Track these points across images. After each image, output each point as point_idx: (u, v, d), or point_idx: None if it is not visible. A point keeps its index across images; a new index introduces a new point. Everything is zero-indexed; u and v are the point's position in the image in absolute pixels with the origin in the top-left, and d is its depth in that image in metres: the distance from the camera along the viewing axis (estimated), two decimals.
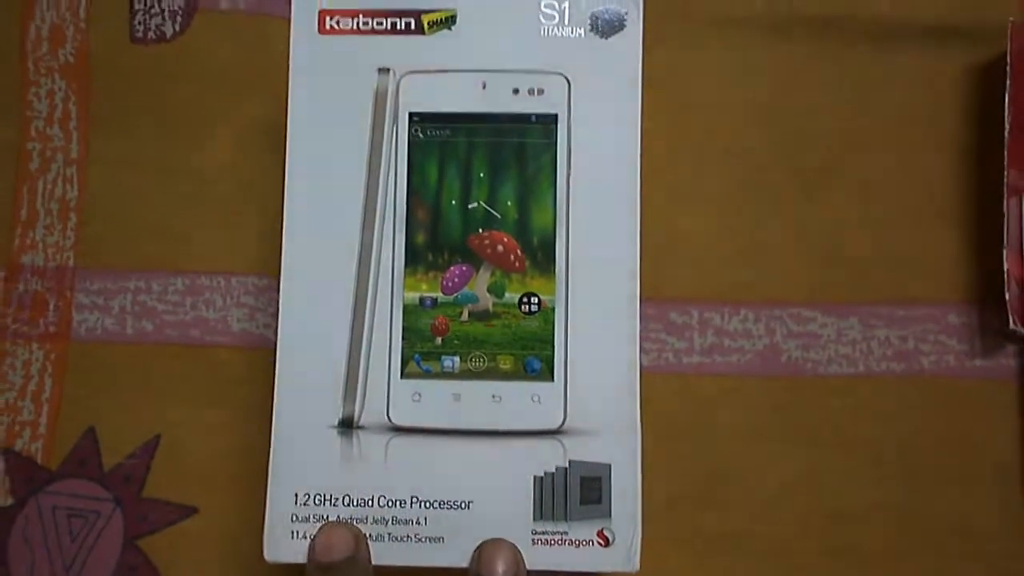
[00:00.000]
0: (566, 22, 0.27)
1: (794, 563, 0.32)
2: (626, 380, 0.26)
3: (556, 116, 0.27)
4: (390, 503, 0.26)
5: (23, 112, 0.34)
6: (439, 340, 0.26)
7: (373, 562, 0.25)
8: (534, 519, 0.25)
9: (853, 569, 0.32)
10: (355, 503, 0.26)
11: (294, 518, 0.25)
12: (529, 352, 0.26)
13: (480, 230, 0.26)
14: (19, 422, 0.33)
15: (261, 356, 0.33)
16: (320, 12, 0.27)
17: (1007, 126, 0.32)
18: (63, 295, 0.33)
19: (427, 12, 0.27)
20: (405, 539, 0.25)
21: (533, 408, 0.26)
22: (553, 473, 0.26)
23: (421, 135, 0.27)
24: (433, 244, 0.26)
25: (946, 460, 0.32)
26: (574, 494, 0.25)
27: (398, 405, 0.26)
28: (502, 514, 0.25)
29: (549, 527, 0.25)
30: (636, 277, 0.26)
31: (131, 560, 0.32)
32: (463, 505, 0.25)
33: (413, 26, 0.27)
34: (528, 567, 0.25)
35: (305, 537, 0.25)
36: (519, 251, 0.26)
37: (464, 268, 0.26)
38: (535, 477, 0.26)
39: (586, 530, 0.25)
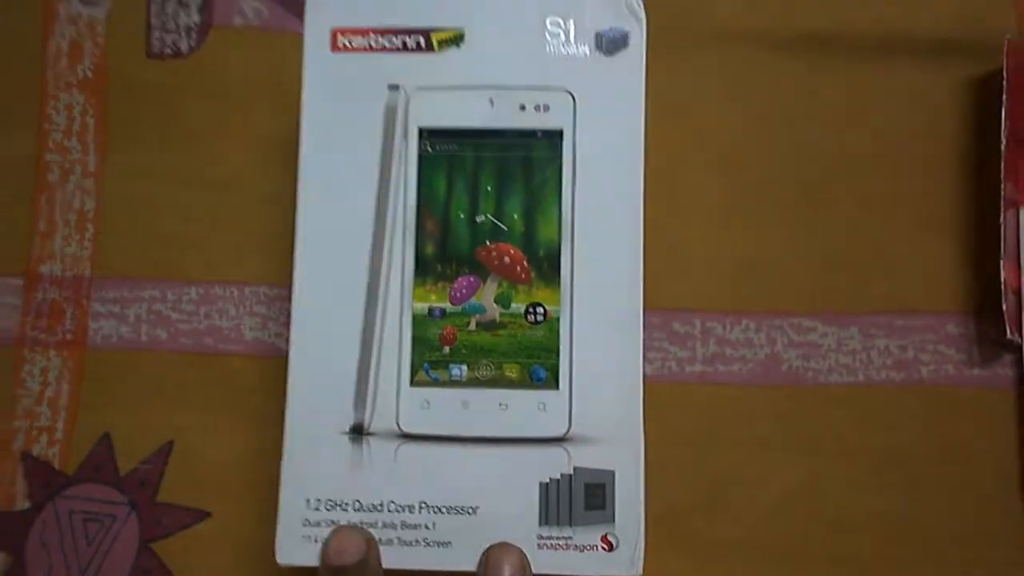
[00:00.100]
0: (571, 41, 0.27)
1: (795, 570, 0.32)
2: (630, 388, 0.26)
3: (561, 131, 0.27)
4: (399, 508, 0.26)
5: (42, 125, 0.35)
6: (447, 349, 0.27)
7: (383, 566, 0.26)
8: (539, 524, 0.26)
9: None
10: (365, 508, 0.26)
11: (306, 522, 0.26)
12: (535, 361, 0.27)
13: (487, 242, 0.27)
14: (37, 427, 0.33)
15: (273, 364, 0.33)
16: (332, 31, 0.27)
17: (1004, 140, 0.32)
18: (80, 304, 0.34)
19: (436, 31, 0.27)
20: (414, 543, 0.26)
21: (539, 416, 0.26)
22: (558, 479, 0.26)
23: (430, 150, 0.27)
24: (442, 256, 0.27)
25: (945, 468, 0.33)
26: (579, 500, 0.26)
27: (407, 412, 0.26)
28: (508, 519, 0.26)
29: (554, 532, 0.26)
30: (639, 288, 0.27)
31: (146, 563, 0.32)
32: (470, 510, 0.26)
33: (423, 44, 0.27)
34: (534, 571, 0.25)
35: (317, 541, 0.26)
36: (525, 263, 0.27)
37: (472, 279, 0.27)
38: (541, 483, 0.26)
39: (590, 535, 0.26)
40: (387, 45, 0.27)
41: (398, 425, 0.26)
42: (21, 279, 0.34)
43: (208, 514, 0.33)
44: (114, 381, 0.34)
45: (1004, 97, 0.32)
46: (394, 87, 0.27)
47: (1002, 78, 0.33)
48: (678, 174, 0.34)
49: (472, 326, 0.27)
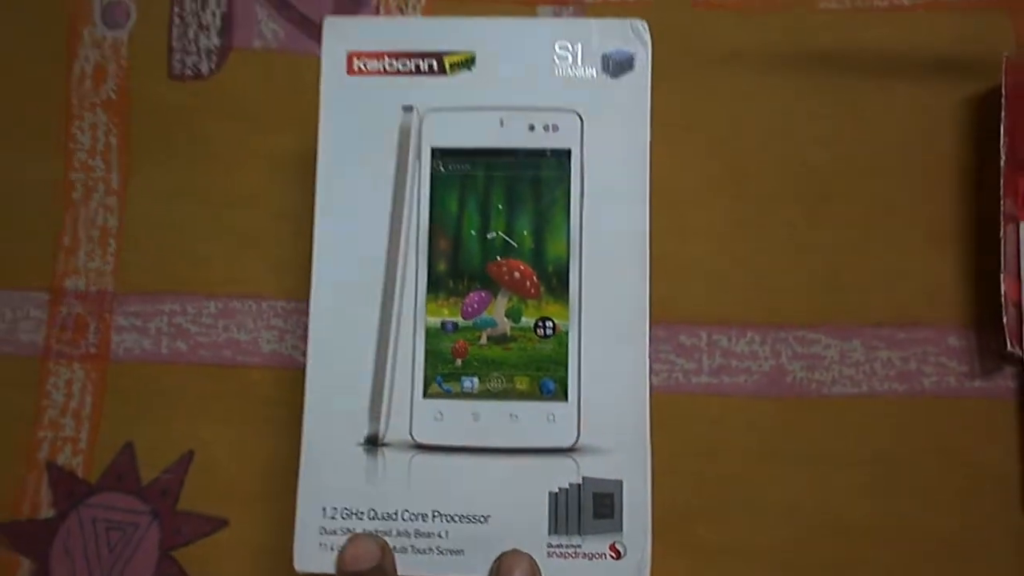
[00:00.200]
0: (579, 63, 0.28)
1: None
2: (637, 400, 0.27)
3: (569, 151, 0.28)
4: (413, 517, 0.26)
5: (67, 145, 0.36)
6: (459, 362, 0.27)
7: (398, 573, 0.26)
8: (549, 533, 0.26)
9: None
10: (380, 517, 0.26)
11: (322, 531, 0.26)
12: (544, 374, 0.27)
13: (498, 258, 0.28)
14: (61, 438, 0.34)
15: (290, 376, 0.34)
16: (349, 54, 0.28)
17: (1003, 157, 0.33)
18: (103, 317, 0.35)
19: (449, 54, 0.28)
20: (427, 551, 0.26)
21: (548, 427, 0.27)
22: (567, 489, 0.26)
23: (443, 169, 0.28)
24: (454, 272, 0.28)
25: (947, 478, 0.33)
26: (587, 509, 0.26)
27: (421, 424, 0.27)
28: (519, 528, 0.26)
29: (563, 540, 0.26)
30: (645, 302, 0.27)
31: (166, 570, 0.33)
32: (482, 519, 0.26)
33: (435, 67, 0.28)
34: None
35: (333, 549, 0.26)
36: (535, 278, 0.28)
37: (483, 294, 0.28)
38: (550, 493, 0.26)
39: (599, 544, 0.26)
40: (401, 68, 0.28)
41: (412, 436, 0.27)
42: (47, 294, 0.35)
43: (227, 522, 0.33)
44: (136, 393, 0.34)
45: (1003, 114, 0.33)
46: (408, 108, 0.28)
47: (1001, 95, 0.33)
48: (683, 191, 0.35)
49: (483, 340, 0.27)
